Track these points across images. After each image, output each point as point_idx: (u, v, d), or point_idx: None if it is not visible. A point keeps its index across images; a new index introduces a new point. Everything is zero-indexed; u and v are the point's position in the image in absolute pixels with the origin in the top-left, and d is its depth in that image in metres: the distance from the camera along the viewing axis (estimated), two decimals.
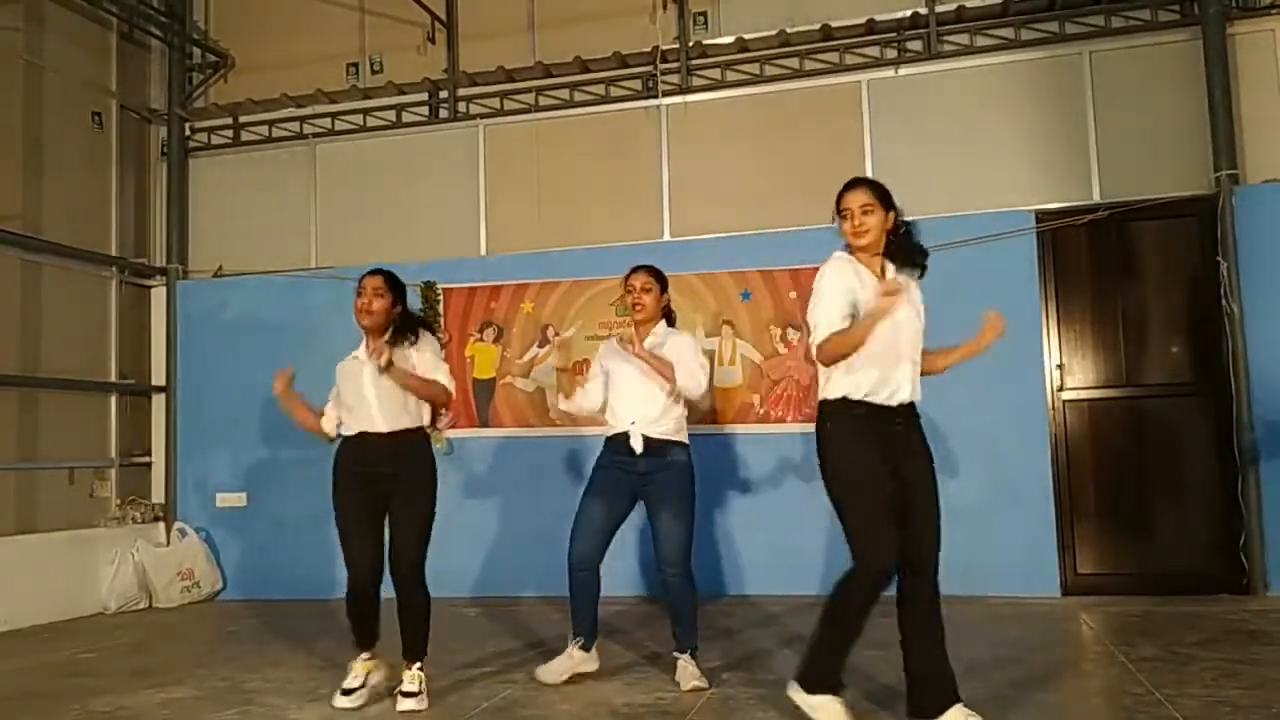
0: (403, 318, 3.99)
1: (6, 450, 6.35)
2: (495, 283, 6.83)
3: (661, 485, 4.04)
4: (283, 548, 6.91)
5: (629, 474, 4.07)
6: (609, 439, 4.18)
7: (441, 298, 6.85)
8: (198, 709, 3.94)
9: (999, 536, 5.89)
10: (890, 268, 3.30)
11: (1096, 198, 6.12)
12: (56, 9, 6.93)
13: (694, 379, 4.07)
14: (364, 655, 3.96)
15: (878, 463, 3.15)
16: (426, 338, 4.04)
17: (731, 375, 6.38)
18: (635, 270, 4.28)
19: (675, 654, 4.09)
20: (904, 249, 3.32)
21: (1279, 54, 6.02)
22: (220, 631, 5.81)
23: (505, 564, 6.57)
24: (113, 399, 7.20)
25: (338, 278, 6.93)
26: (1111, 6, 6.17)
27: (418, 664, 3.87)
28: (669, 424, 4.09)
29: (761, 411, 6.30)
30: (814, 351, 3.25)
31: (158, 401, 7.51)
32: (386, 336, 3.91)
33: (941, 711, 3.14)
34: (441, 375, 3.98)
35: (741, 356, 6.37)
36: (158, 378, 7.52)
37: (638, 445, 4.03)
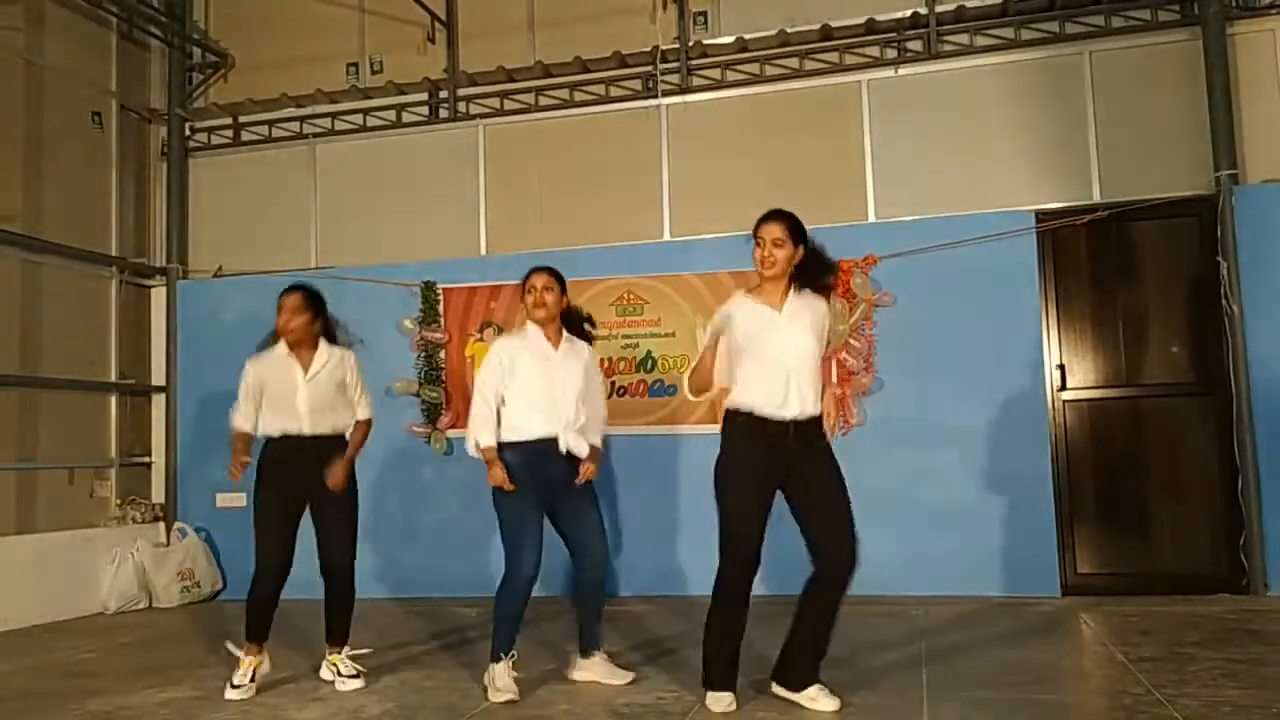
0: (325, 329, 4.34)
1: (6, 450, 6.35)
2: (495, 283, 6.82)
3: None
4: None
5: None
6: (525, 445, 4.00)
7: (441, 297, 6.85)
8: (198, 709, 3.95)
9: (999, 536, 5.90)
10: (792, 292, 3.66)
11: (1097, 197, 6.12)
12: (56, 9, 6.93)
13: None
14: (255, 649, 4.19)
15: (757, 467, 3.55)
16: (350, 357, 4.37)
17: None
18: (537, 269, 4.15)
19: (593, 651, 4.15)
20: (810, 274, 3.67)
21: (1279, 54, 6.02)
22: (220, 631, 5.79)
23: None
24: (113, 399, 7.20)
25: (337, 278, 6.93)
26: (1111, 6, 6.16)
27: (346, 648, 4.33)
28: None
29: None
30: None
31: (158, 401, 7.52)
32: (322, 361, 4.27)
33: (804, 687, 3.59)
34: (363, 408, 4.41)
35: None
36: (158, 378, 7.52)
37: (578, 449, 4.05)
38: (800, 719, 3.50)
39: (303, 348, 4.26)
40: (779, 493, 3.61)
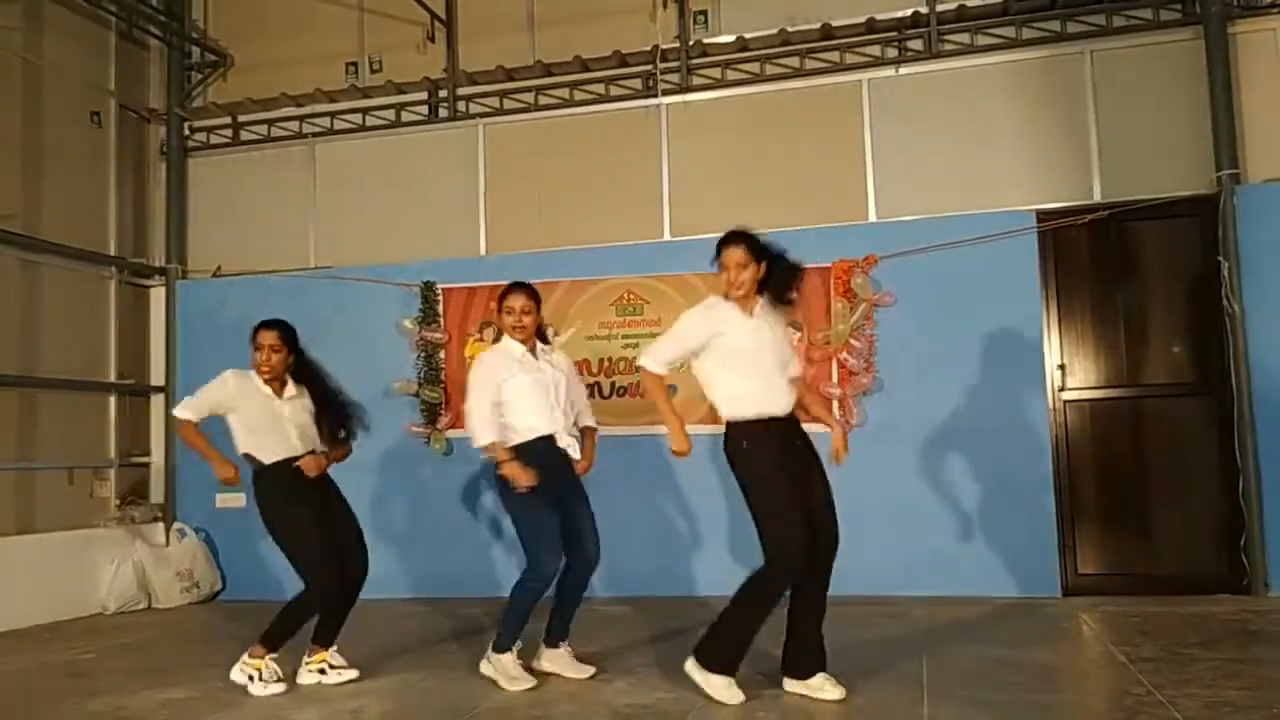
0: (298, 365, 4.43)
1: (6, 450, 6.35)
2: (495, 282, 6.76)
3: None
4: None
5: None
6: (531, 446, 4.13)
7: (440, 298, 6.84)
8: (197, 709, 3.94)
9: (1000, 537, 5.89)
10: (759, 303, 3.76)
11: (1097, 197, 6.11)
12: (55, 8, 6.93)
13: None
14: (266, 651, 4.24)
15: (787, 468, 3.64)
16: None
17: None
18: (515, 290, 4.30)
19: (560, 643, 4.27)
20: (774, 286, 3.75)
21: None
22: (220, 632, 5.80)
23: (505, 565, 6.55)
24: (112, 399, 7.19)
25: (337, 278, 6.93)
26: (1113, 6, 6.15)
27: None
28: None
29: None
30: (643, 366, 3.86)
31: (157, 401, 7.51)
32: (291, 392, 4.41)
33: (812, 674, 3.68)
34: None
35: None
36: (157, 378, 7.52)
37: (573, 449, 4.21)
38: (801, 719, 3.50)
39: (275, 384, 4.41)
40: None
